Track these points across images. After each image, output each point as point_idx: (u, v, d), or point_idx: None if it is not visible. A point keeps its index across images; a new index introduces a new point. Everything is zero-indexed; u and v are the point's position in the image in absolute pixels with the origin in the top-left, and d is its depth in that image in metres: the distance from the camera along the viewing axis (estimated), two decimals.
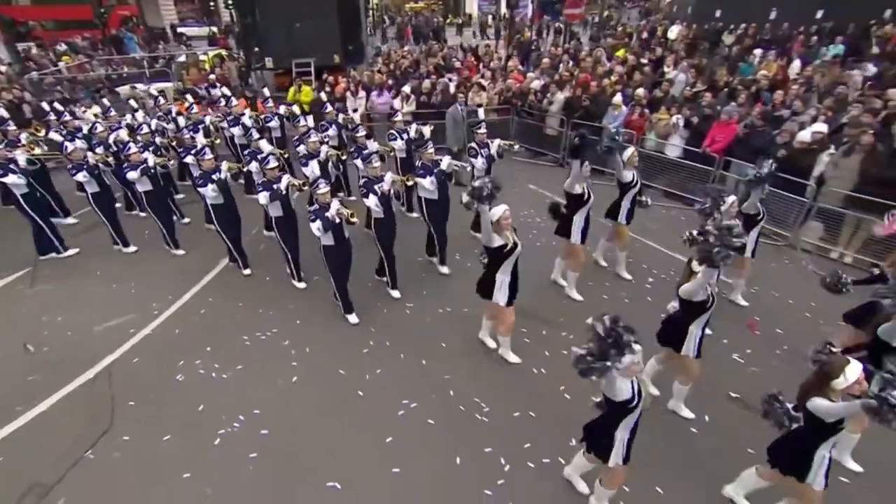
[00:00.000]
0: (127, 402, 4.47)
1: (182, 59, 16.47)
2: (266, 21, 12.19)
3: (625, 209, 5.56)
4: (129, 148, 6.33)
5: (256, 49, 12.72)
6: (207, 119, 8.28)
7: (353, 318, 5.41)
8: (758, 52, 11.15)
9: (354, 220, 4.80)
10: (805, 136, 6.60)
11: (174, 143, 7.51)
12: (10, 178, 6.27)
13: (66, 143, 6.77)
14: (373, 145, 6.64)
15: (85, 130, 7.73)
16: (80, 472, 3.86)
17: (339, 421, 4.24)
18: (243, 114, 8.16)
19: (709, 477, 3.61)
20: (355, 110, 9.15)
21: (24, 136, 7.63)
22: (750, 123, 7.10)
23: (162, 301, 5.83)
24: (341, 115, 8.07)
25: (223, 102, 9.12)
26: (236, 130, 8.08)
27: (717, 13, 18.41)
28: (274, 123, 8.31)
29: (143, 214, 7.50)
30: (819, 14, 15.97)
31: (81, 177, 6.33)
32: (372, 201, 5.13)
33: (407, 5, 38.43)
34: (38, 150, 7.45)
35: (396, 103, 9.37)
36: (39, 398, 4.51)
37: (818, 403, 2.65)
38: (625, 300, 5.69)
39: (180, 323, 5.53)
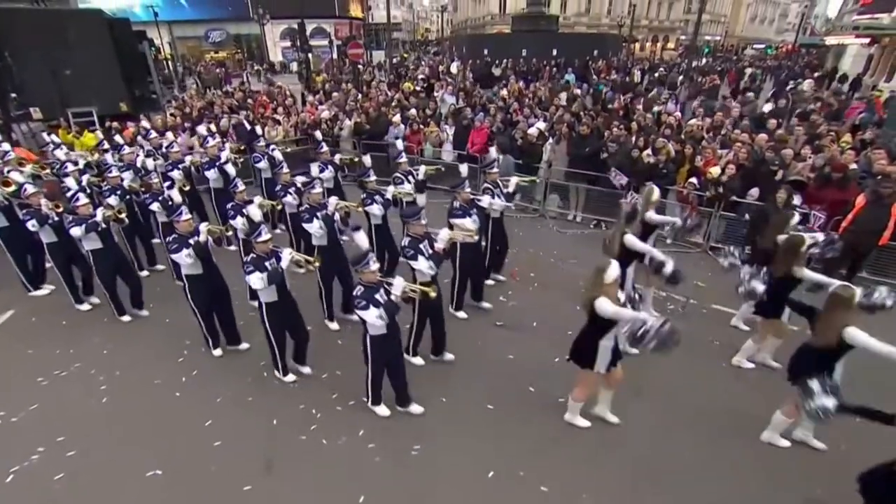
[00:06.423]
0: None
1: None
2: (22, 67, 11.10)
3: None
4: (78, 198, 5.39)
5: (14, 97, 11.46)
6: (188, 159, 7.20)
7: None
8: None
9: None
10: (533, 131, 8.76)
11: (142, 188, 6.44)
12: None
13: (27, 186, 5.71)
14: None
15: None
16: None
17: (156, 420, 4.42)
18: (219, 157, 7.03)
19: None
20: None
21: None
22: (495, 128, 9.09)
23: None
24: (338, 156, 7.22)
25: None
26: (211, 174, 7.03)
27: (486, 52, 22.47)
28: (263, 164, 7.28)
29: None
30: (554, 52, 20.97)
31: (30, 226, 5.40)
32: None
33: (206, 56, 37.26)
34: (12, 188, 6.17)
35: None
36: None
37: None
38: None
39: None
